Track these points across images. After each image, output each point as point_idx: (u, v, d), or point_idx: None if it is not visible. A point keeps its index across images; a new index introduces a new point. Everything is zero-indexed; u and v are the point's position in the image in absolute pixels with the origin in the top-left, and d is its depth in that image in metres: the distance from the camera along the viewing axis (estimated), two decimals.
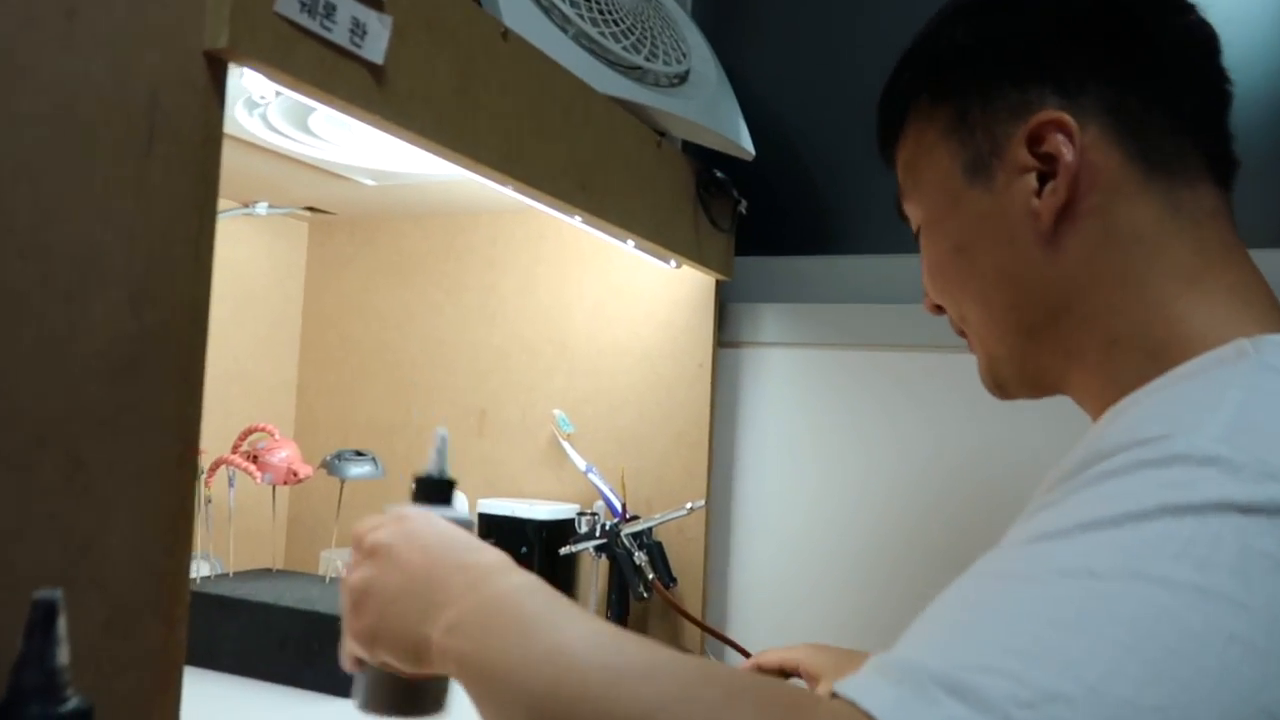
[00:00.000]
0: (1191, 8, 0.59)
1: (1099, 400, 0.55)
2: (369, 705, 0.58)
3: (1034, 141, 0.56)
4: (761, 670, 0.91)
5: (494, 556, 0.52)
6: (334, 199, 1.28)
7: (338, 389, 1.40)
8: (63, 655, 0.32)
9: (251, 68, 0.53)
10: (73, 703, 0.32)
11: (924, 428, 1.16)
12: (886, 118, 0.68)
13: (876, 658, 0.38)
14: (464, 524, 0.58)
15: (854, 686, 0.36)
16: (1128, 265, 0.54)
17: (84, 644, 0.41)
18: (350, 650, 0.57)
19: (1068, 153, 0.54)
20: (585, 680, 0.39)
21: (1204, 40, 0.59)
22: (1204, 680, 0.33)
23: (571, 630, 0.43)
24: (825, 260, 1.31)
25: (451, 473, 0.60)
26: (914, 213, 0.66)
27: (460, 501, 0.68)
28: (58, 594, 0.32)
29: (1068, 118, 0.55)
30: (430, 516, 0.56)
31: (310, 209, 1.36)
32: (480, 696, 0.45)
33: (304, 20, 0.54)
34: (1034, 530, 0.40)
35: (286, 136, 0.95)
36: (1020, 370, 0.61)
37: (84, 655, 0.41)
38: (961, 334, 0.67)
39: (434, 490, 0.58)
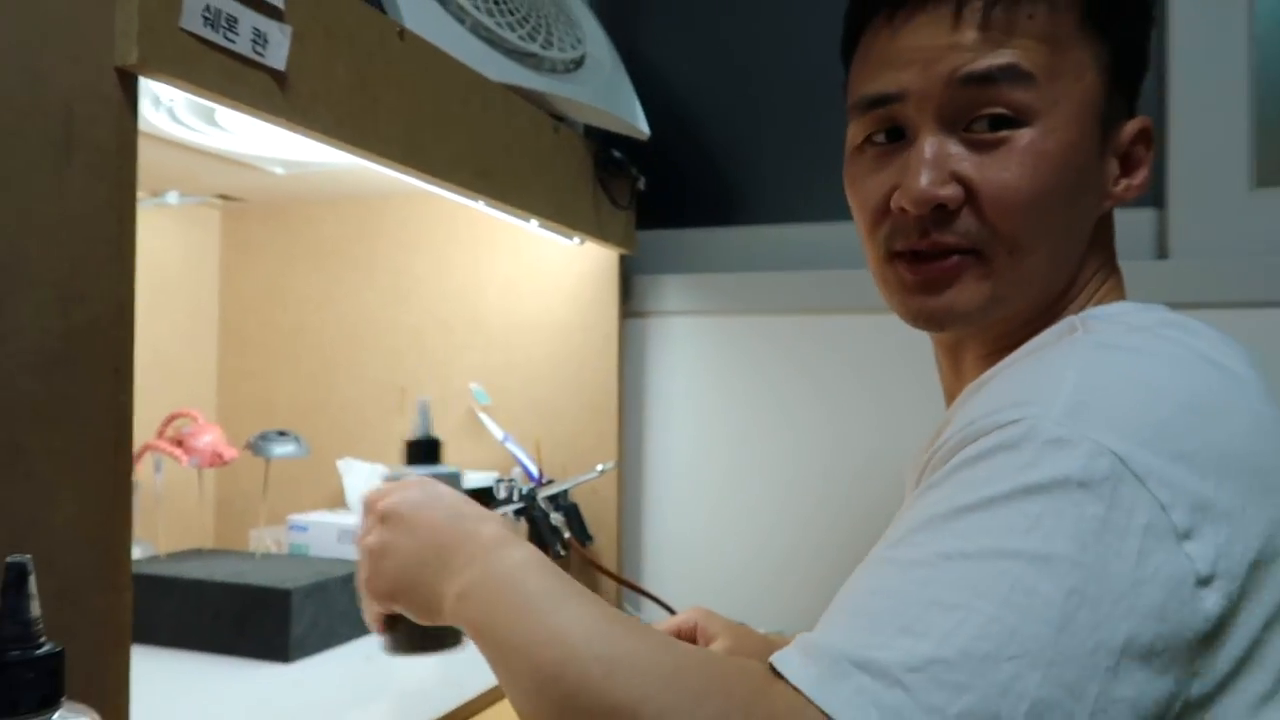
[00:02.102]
0: None
1: (981, 359, 0.62)
2: (400, 651, 0.66)
3: (1135, 139, 0.62)
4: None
5: (494, 527, 0.57)
6: (245, 186, 1.30)
7: (258, 372, 1.44)
8: (35, 609, 0.38)
9: (160, 80, 0.58)
10: (46, 647, 0.38)
11: (817, 387, 1.25)
12: None
13: (801, 638, 0.46)
14: (454, 478, 0.67)
15: (786, 664, 0.44)
16: (1099, 257, 0.63)
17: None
18: (371, 609, 0.63)
19: (1148, 165, 0.63)
20: (585, 670, 0.45)
21: None
22: (1049, 629, 0.42)
23: (570, 614, 0.48)
24: (724, 231, 1.39)
25: (435, 434, 0.70)
26: (1028, 102, 0.57)
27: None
28: (28, 559, 0.38)
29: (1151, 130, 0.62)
30: (432, 483, 0.62)
31: (222, 196, 1.38)
32: (492, 661, 0.51)
33: (208, 33, 0.59)
34: (922, 514, 0.48)
35: (194, 130, 0.98)
36: (1005, 319, 0.61)
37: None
38: (950, 254, 0.59)
39: (424, 451, 0.67)
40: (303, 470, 1.33)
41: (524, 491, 1.17)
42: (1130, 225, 1.22)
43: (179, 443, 1.15)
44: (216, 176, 1.23)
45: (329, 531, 1.22)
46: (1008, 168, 0.57)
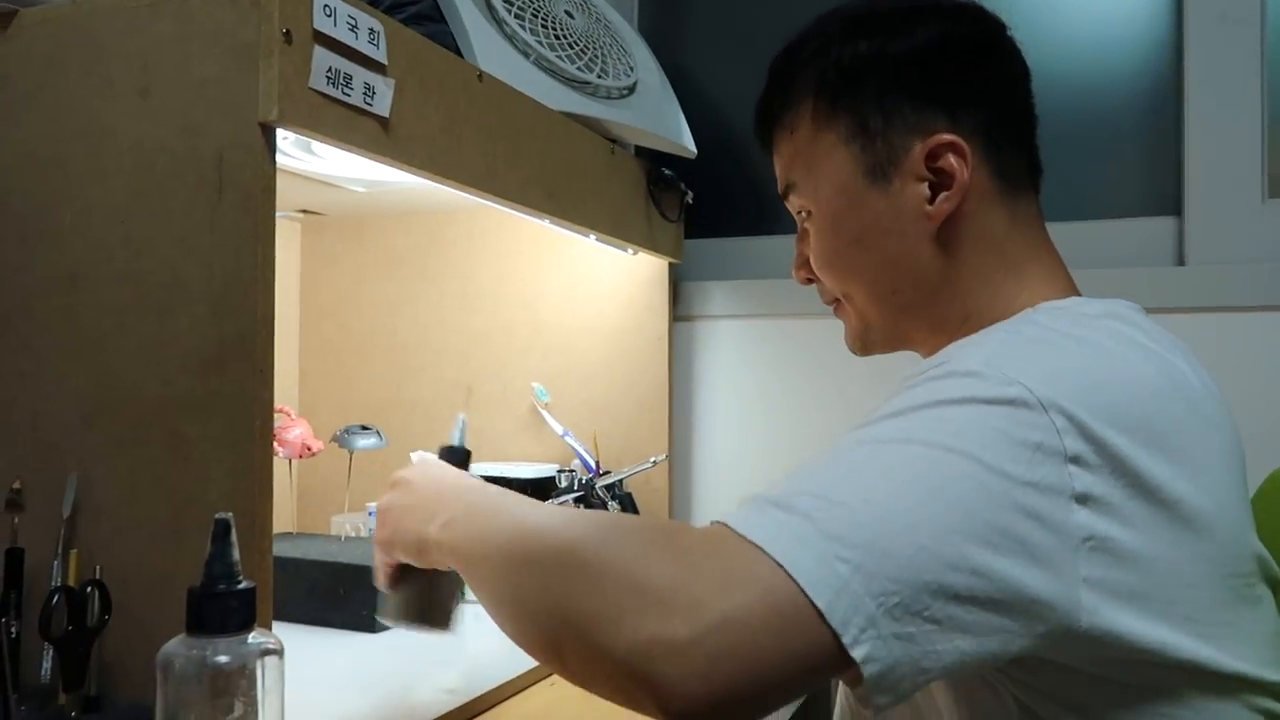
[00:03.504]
0: (1014, 41, 0.72)
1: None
2: (392, 617, 0.76)
3: (930, 157, 0.66)
4: None
5: (475, 487, 0.68)
6: (326, 202, 1.43)
7: (336, 373, 1.56)
8: (235, 554, 0.49)
9: (293, 131, 0.69)
10: (244, 584, 0.49)
11: (855, 384, 1.35)
12: (775, 113, 0.74)
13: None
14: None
15: (721, 514, 0.52)
16: (981, 260, 0.69)
17: (196, 575, 0.55)
18: (380, 562, 0.74)
19: (963, 172, 0.66)
20: (539, 536, 0.55)
21: (1025, 69, 0.73)
22: (942, 500, 0.49)
23: (528, 512, 0.59)
24: (766, 240, 1.49)
25: (469, 446, 0.80)
26: (804, 202, 0.73)
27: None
28: (230, 515, 0.50)
29: (962, 142, 0.66)
30: (439, 461, 0.73)
31: (304, 211, 1.51)
32: (468, 572, 0.62)
33: (330, 90, 0.71)
34: (857, 424, 0.57)
35: (293, 158, 1.10)
36: (890, 336, 0.74)
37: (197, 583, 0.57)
38: (832, 303, 0.76)
39: (454, 457, 0.77)
40: (378, 462, 1.46)
41: (583, 481, 1.28)
42: (1149, 233, 1.31)
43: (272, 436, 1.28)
44: (302, 194, 1.36)
45: None
46: (812, 245, 0.74)
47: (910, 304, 0.71)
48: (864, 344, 0.76)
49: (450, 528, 0.64)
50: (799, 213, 0.75)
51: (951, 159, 0.66)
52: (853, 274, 0.72)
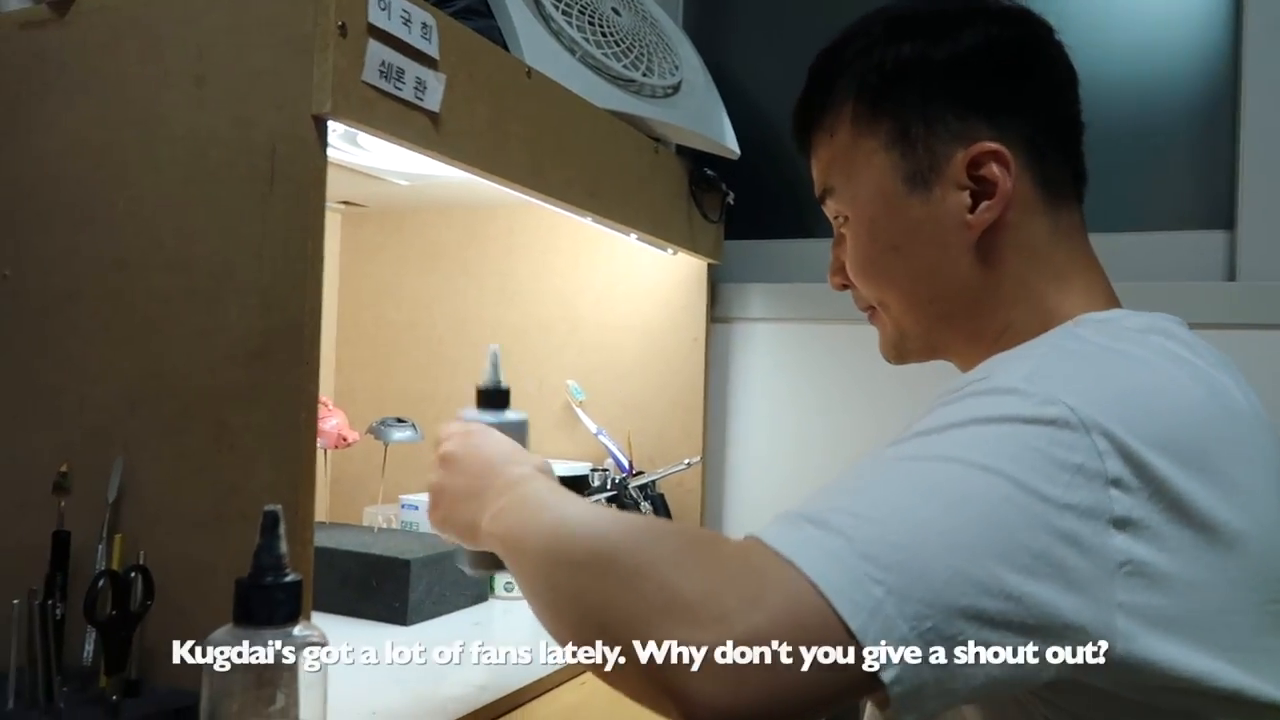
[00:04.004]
0: (1061, 45, 0.71)
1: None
2: (469, 565, 0.75)
3: (972, 165, 0.65)
4: None
5: (529, 469, 0.68)
6: (367, 194, 1.43)
7: (372, 364, 1.57)
8: (283, 547, 0.49)
9: (345, 124, 0.69)
10: (290, 576, 0.49)
11: (890, 391, 1.33)
12: (814, 116, 0.72)
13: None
14: (517, 426, 0.74)
15: (753, 520, 0.52)
16: (1022, 270, 0.67)
17: (237, 564, 0.55)
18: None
19: (1005, 181, 0.64)
20: (574, 535, 0.55)
21: (1073, 74, 0.71)
22: (978, 522, 0.48)
23: (570, 508, 0.59)
24: (807, 244, 1.47)
25: (505, 382, 0.76)
26: (841, 207, 0.72)
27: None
28: (279, 508, 0.50)
29: (1005, 151, 0.64)
30: (489, 430, 0.73)
31: (345, 202, 1.52)
32: (512, 562, 0.62)
33: (382, 84, 0.71)
34: (888, 442, 0.56)
35: (339, 150, 1.11)
36: (925, 345, 0.72)
37: (240, 571, 0.57)
38: (867, 310, 0.75)
39: (492, 399, 0.75)
40: (412, 455, 1.46)
41: (615, 481, 1.28)
42: (1198, 246, 1.28)
43: None
44: (345, 185, 1.36)
45: None
46: (848, 250, 0.72)
47: (948, 313, 0.70)
48: (899, 352, 0.75)
49: (500, 519, 0.64)
50: (836, 217, 0.74)
51: (994, 167, 0.65)
52: (889, 282, 0.71)
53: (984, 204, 0.65)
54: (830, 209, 0.74)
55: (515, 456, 0.70)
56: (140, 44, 0.74)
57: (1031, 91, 0.68)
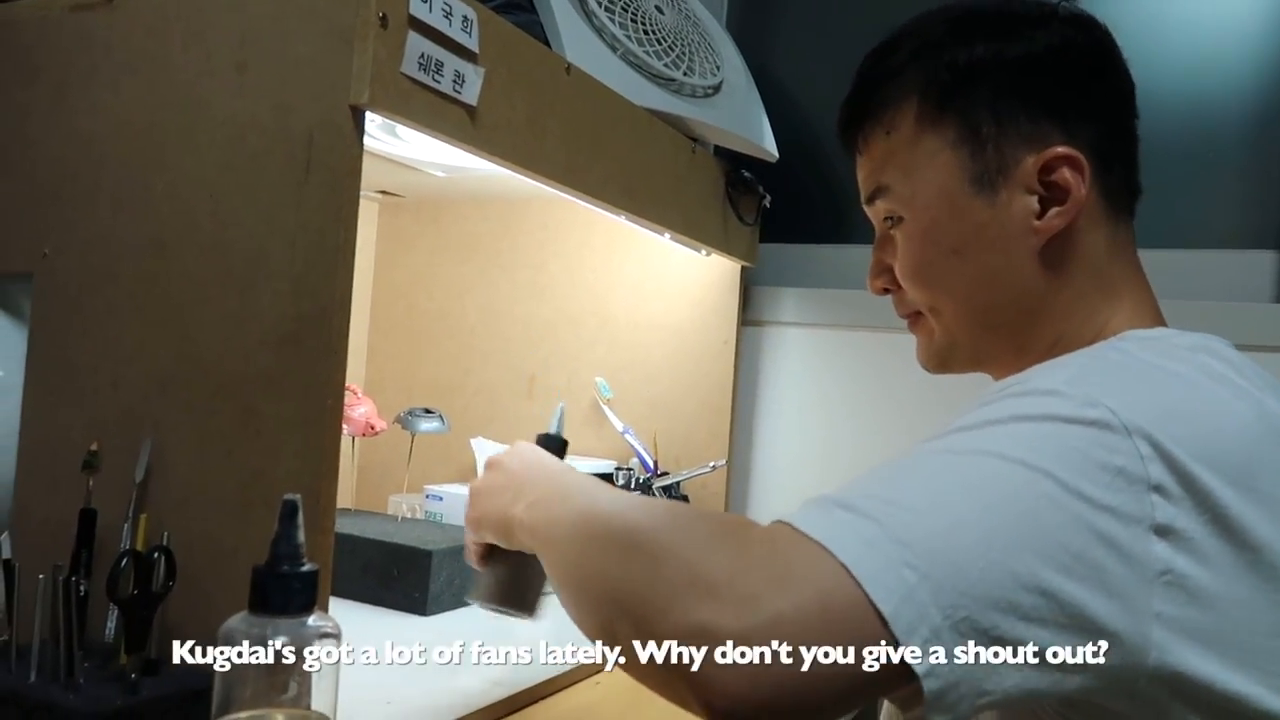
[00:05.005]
0: (1121, 56, 0.69)
1: None
2: (477, 596, 0.77)
3: (1045, 170, 0.63)
4: None
5: (565, 469, 0.69)
6: (405, 184, 1.44)
7: (403, 353, 1.58)
8: (301, 536, 0.50)
9: (383, 115, 0.69)
10: (307, 566, 0.49)
11: (921, 402, 1.32)
12: (870, 112, 0.70)
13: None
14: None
15: (785, 513, 0.50)
16: (1081, 282, 0.66)
17: (259, 549, 0.55)
18: (468, 540, 0.75)
19: (1080, 188, 0.63)
20: (607, 520, 0.55)
21: (1133, 87, 0.69)
22: (1015, 515, 0.47)
23: (602, 496, 0.59)
24: (842, 249, 1.46)
25: (565, 436, 0.81)
26: (894, 207, 0.69)
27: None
28: (298, 497, 0.50)
29: (1080, 157, 0.63)
30: (535, 447, 0.75)
31: (382, 192, 1.52)
32: (542, 552, 0.62)
33: (421, 76, 0.71)
34: (926, 438, 0.55)
35: (378, 140, 1.11)
36: (972, 355, 0.70)
37: (261, 556, 0.58)
38: (909, 316, 0.72)
39: (550, 445, 0.78)
40: (438, 445, 1.47)
41: (640, 480, 1.28)
42: (1246, 266, 1.25)
43: None
44: (382, 175, 1.37)
45: (461, 502, 1.34)
46: (898, 253, 0.69)
47: (1002, 323, 0.68)
48: (941, 361, 0.72)
49: (532, 510, 0.64)
50: (885, 218, 0.71)
51: (1067, 173, 0.63)
52: (945, 287, 0.68)
53: (1054, 210, 0.64)
54: (879, 210, 0.71)
55: (561, 466, 0.71)
56: (184, 29, 0.75)
57: (1101, 98, 0.66)
